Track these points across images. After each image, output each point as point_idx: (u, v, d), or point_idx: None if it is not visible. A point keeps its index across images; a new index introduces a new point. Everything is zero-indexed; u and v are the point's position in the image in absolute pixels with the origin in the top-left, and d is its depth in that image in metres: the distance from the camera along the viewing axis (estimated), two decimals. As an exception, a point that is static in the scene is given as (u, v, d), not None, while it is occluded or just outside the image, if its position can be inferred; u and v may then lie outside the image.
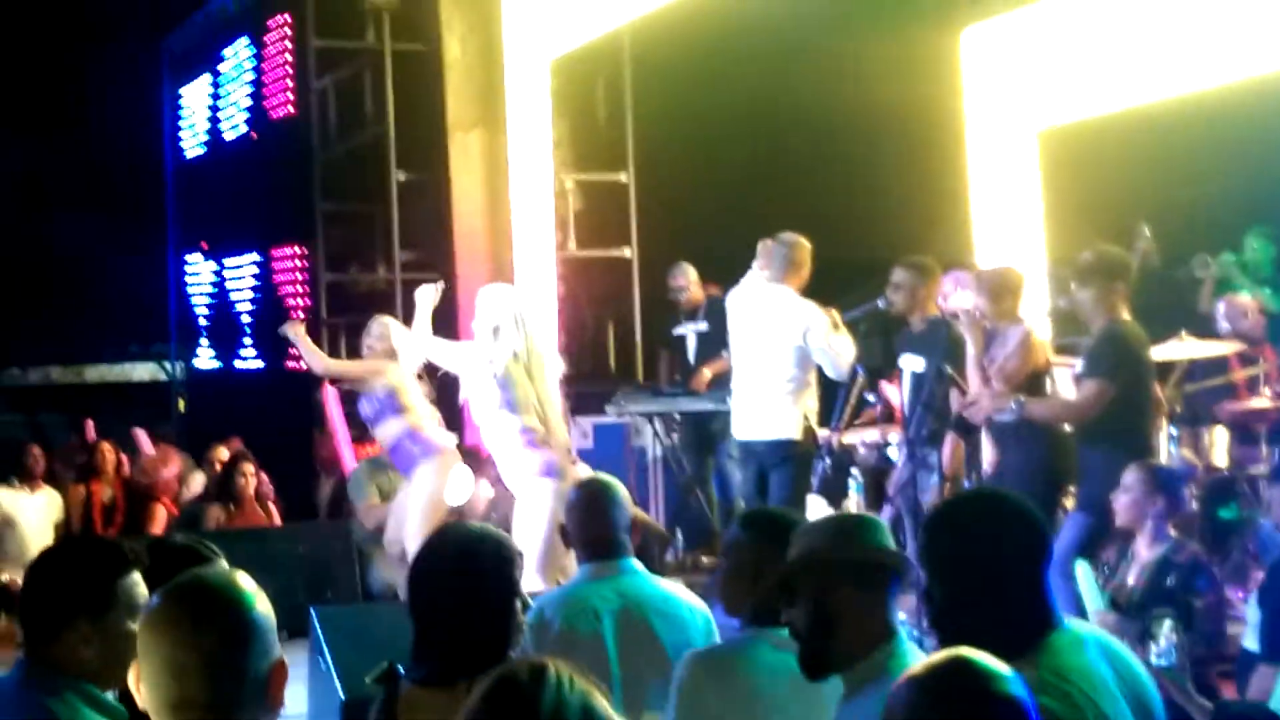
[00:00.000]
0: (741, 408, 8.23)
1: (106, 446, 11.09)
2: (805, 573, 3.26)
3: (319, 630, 6.03)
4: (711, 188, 11.58)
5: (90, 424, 12.15)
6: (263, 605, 2.68)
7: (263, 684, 2.62)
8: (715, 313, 10.32)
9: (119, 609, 3.17)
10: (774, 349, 8.00)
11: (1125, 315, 6.63)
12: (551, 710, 2.25)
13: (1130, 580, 6.04)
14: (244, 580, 2.70)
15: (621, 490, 4.58)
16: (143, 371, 17.58)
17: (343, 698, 5.63)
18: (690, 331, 10.35)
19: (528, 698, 2.26)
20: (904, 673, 2.44)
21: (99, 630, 3.15)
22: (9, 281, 15.93)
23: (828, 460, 7.98)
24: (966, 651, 2.40)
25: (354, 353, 11.91)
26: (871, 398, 8.75)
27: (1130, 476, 6.05)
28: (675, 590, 4.49)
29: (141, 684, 2.62)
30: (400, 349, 8.23)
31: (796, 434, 7.96)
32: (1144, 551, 6.04)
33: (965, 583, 3.02)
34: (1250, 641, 5.57)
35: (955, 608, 3.03)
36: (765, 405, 8.03)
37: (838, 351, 7.81)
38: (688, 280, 10.39)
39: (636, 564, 4.48)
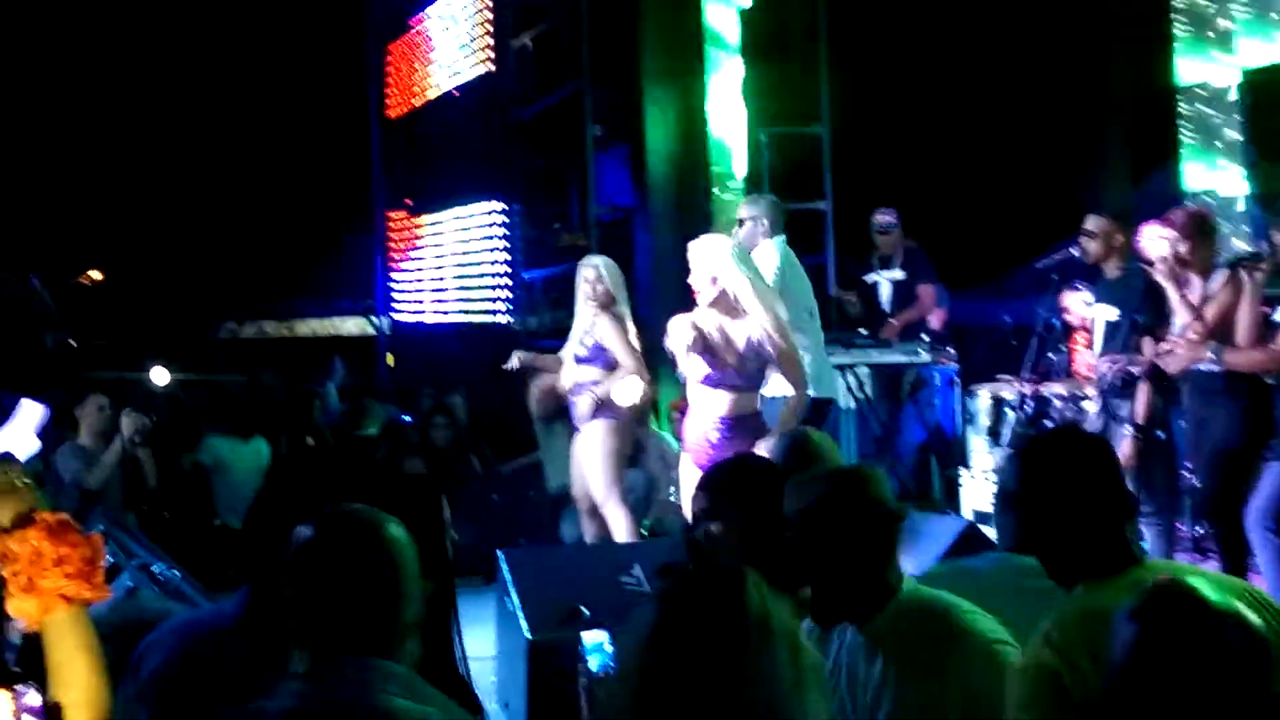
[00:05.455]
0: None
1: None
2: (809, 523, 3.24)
3: (506, 572, 6.07)
4: (908, 140, 11.41)
5: None
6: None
7: None
8: (912, 263, 10.22)
9: None
10: None
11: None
12: (759, 611, 2.34)
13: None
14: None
15: None
16: (351, 325, 17.98)
17: (529, 638, 5.64)
18: (884, 279, 10.21)
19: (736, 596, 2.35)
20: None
21: None
22: (221, 239, 16.44)
23: (1022, 412, 7.85)
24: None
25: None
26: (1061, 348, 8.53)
27: None
28: None
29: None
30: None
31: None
32: None
33: (1042, 512, 3.10)
34: None
35: (1033, 536, 3.13)
36: None
37: None
38: (886, 223, 10.23)
39: None
